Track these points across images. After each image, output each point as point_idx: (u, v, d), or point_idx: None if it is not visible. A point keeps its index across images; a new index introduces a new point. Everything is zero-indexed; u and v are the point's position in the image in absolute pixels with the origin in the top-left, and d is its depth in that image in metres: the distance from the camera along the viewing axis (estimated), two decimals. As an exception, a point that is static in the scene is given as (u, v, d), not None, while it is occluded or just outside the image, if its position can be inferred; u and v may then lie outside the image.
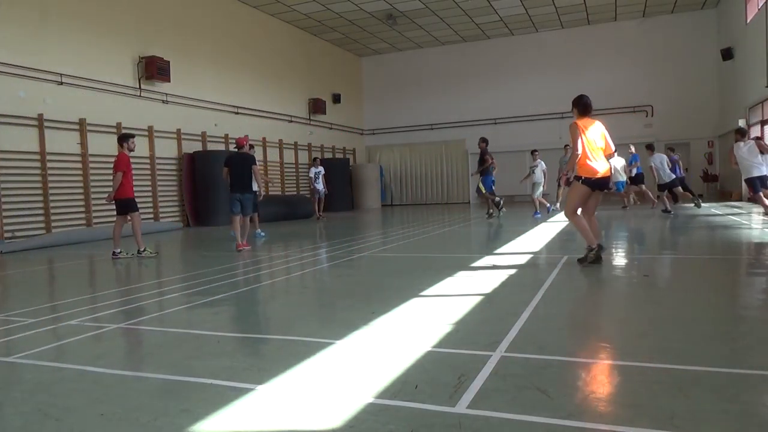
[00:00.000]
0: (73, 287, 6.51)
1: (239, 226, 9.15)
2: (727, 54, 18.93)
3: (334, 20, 20.77)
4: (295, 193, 20.60)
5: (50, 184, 12.03)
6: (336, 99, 23.71)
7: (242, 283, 6.01)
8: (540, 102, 23.10)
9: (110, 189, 8.70)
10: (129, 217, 8.66)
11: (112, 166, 8.79)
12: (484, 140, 13.88)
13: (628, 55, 22.27)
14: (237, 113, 17.86)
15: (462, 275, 5.78)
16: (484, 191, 13.75)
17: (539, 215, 13.87)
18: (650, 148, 14.36)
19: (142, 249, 8.58)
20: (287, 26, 20.88)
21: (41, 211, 11.90)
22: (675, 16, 21.72)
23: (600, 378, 2.71)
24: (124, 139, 8.63)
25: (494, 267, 6.25)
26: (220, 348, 3.43)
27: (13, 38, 11.52)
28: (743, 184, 11.68)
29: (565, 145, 14.43)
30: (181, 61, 15.49)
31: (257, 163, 9.76)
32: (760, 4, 15.45)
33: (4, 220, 11.14)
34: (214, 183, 14.53)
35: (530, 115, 23.56)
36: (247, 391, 2.62)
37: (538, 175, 14.46)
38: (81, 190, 12.79)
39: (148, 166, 14.53)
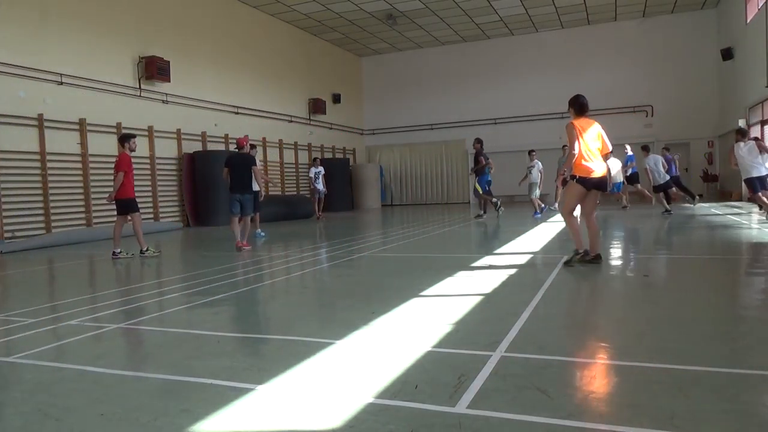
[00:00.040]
0: (73, 287, 6.51)
1: (238, 227, 9.18)
2: (727, 54, 18.93)
3: (334, 20, 20.77)
4: (295, 193, 20.60)
5: (50, 184, 12.03)
6: (336, 99, 23.71)
7: (242, 283, 6.01)
8: (540, 102, 23.10)
9: (111, 189, 8.70)
10: (129, 218, 8.66)
11: (112, 166, 8.81)
12: (478, 141, 13.89)
13: (628, 55, 22.27)
14: (237, 113, 17.86)
15: (462, 275, 5.78)
16: (480, 192, 13.76)
17: (539, 215, 13.87)
18: (645, 149, 14.44)
19: (144, 249, 8.59)
20: (287, 26, 20.88)
21: (41, 211, 11.90)
22: (675, 16, 21.72)
23: (600, 378, 2.71)
24: (125, 139, 8.64)
25: (494, 267, 6.25)
26: (220, 348, 3.43)
27: (13, 38, 11.52)
28: (743, 184, 11.71)
29: (564, 146, 14.44)
30: (181, 61, 15.49)
31: (258, 163, 9.77)
32: (760, 4, 15.45)
33: (4, 220, 11.14)
34: (214, 183, 14.53)
35: (530, 115, 23.56)
36: (247, 391, 2.62)
37: (535, 175, 14.48)
38: (81, 190, 12.79)
39: (148, 166, 14.53)
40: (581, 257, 5.97)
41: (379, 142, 26.58)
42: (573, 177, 6.02)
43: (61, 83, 12.42)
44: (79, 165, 12.78)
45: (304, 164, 21.15)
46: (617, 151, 14.45)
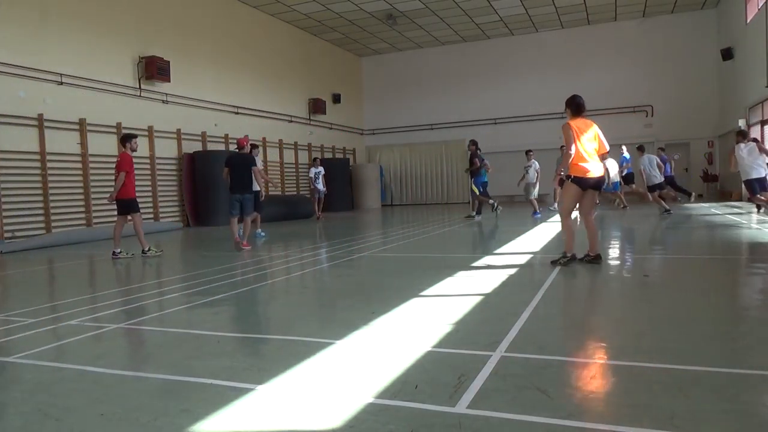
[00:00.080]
0: (73, 287, 6.51)
1: (236, 226, 9.23)
2: (727, 54, 18.93)
3: (334, 20, 20.77)
4: (295, 193, 20.60)
5: (50, 184, 12.02)
6: (336, 99, 23.71)
7: (242, 283, 6.01)
8: (540, 102, 23.08)
9: (111, 189, 8.71)
10: (130, 218, 8.67)
11: (111, 166, 8.82)
12: (473, 143, 13.91)
13: (628, 55, 22.27)
14: (237, 113, 17.86)
15: (462, 275, 5.78)
16: (477, 193, 13.77)
17: (539, 215, 13.89)
18: (640, 149, 14.52)
19: (146, 249, 8.59)
20: (287, 26, 20.88)
21: (41, 211, 11.90)
22: (675, 16, 21.72)
23: (600, 378, 2.70)
24: (127, 139, 8.65)
25: (494, 267, 6.25)
26: (220, 348, 3.43)
27: (13, 38, 11.52)
28: (743, 185, 11.74)
29: (561, 146, 14.46)
30: (181, 61, 15.49)
31: (259, 163, 9.77)
32: (760, 4, 15.44)
33: (4, 220, 11.13)
34: (214, 183, 14.53)
35: (530, 115, 23.54)
36: (247, 391, 2.62)
37: (531, 175, 14.49)
38: (81, 190, 12.78)
39: (148, 166, 14.53)
40: (568, 261, 5.98)
41: (379, 142, 26.57)
42: (569, 177, 6.04)
43: (61, 83, 12.42)
44: (79, 165, 12.78)
45: (304, 164, 21.15)
46: (613, 151, 14.56)
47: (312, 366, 2.97)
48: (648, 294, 4.79)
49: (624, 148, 15.87)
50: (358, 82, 26.46)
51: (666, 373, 2.68)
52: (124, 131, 12.89)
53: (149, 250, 8.59)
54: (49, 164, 12.02)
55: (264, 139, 18.74)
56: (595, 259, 6.08)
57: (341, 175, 21.76)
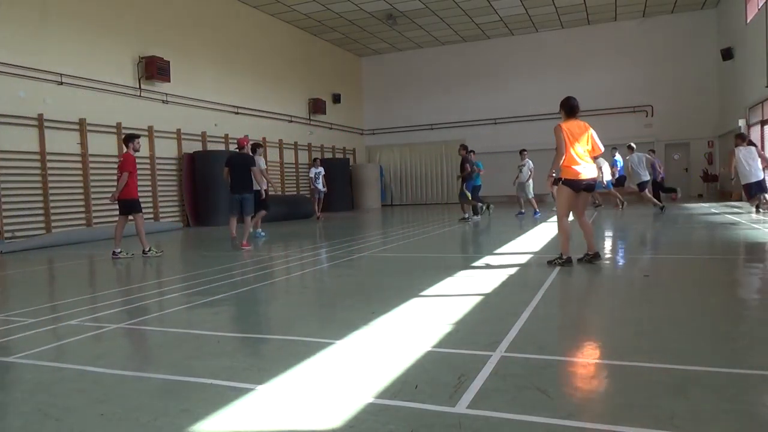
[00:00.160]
0: (73, 287, 6.51)
1: (235, 225, 9.25)
2: (727, 54, 18.93)
3: (334, 20, 20.77)
4: (295, 193, 20.60)
5: (50, 184, 12.02)
6: (336, 99, 23.71)
7: (242, 283, 6.01)
8: (540, 102, 23.06)
9: (112, 188, 8.72)
10: (131, 218, 8.67)
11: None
12: (464, 147, 13.95)
13: (628, 55, 22.27)
14: (237, 113, 17.86)
15: (462, 275, 5.78)
16: (469, 197, 13.80)
17: (539, 214, 13.90)
18: (630, 148, 14.87)
19: (147, 249, 8.59)
20: (287, 26, 20.88)
21: (41, 211, 11.90)
22: (675, 16, 21.72)
23: (600, 378, 2.70)
24: (129, 139, 8.66)
25: (494, 267, 6.25)
26: (220, 348, 3.43)
27: (13, 38, 11.52)
28: (742, 187, 11.79)
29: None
30: (181, 61, 15.49)
31: (263, 163, 9.77)
32: (760, 4, 15.45)
33: (4, 220, 11.13)
34: (214, 183, 14.54)
35: (530, 115, 23.54)
36: (247, 391, 2.62)
37: (525, 173, 14.53)
38: (81, 190, 12.78)
39: (148, 166, 14.53)
40: (564, 262, 5.98)
41: (379, 142, 26.57)
42: (560, 179, 6.06)
43: (61, 83, 12.42)
44: (79, 165, 12.77)
45: (304, 164, 21.15)
46: (607, 152, 14.71)
47: (312, 366, 2.97)
48: (648, 294, 4.79)
49: (616, 151, 15.84)
50: (358, 82, 26.46)
51: (666, 373, 2.68)
52: (124, 131, 12.91)
53: (149, 250, 8.59)
54: (49, 164, 12.02)
55: (264, 139, 18.73)
56: (594, 257, 6.10)
57: (341, 175, 21.76)
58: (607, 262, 6.46)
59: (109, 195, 8.89)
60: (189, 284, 5.97)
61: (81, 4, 13.01)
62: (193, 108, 16.08)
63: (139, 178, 13.02)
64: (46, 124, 11.98)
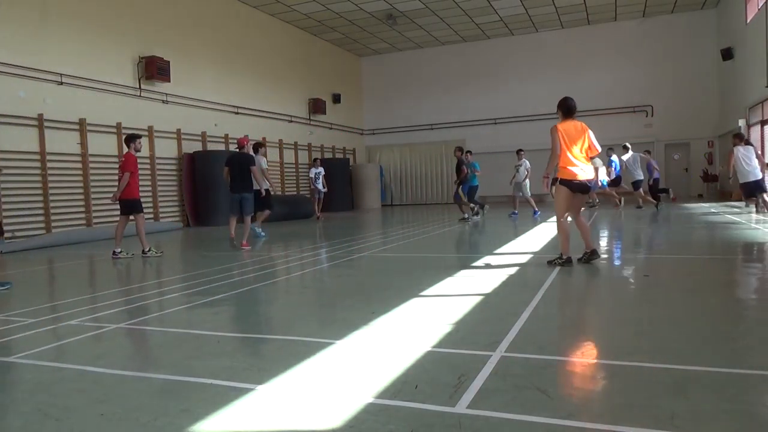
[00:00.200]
0: (73, 287, 6.51)
1: (234, 225, 9.28)
2: (727, 54, 18.93)
3: (334, 20, 20.77)
4: (295, 193, 20.60)
5: (50, 184, 12.02)
6: (336, 99, 23.71)
7: (242, 283, 6.01)
8: (540, 102, 23.04)
9: (112, 188, 8.72)
10: (132, 218, 8.68)
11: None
12: (459, 149, 13.96)
13: (628, 55, 22.27)
14: (237, 113, 17.86)
15: (462, 275, 5.78)
16: (465, 200, 13.82)
17: (538, 214, 13.91)
18: (625, 147, 15.13)
19: (147, 249, 8.59)
20: (287, 26, 20.88)
21: (41, 211, 11.90)
22: (675, 16, 21.72)
23: (600, 378, 2.70)
24: (131, 139, 8.67)
25: (494, 267, 6.25)
26: (220, 348, 3.43)
27: (13, 38, 11.52)
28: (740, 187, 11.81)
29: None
30: (181, 61, 15.49)
31: (265, 164, 9.78)
32: (760, 4, 15.45)
33: (4, 220, 11.13)
34: (214, 183, 14.54)
35: (530, 115, 23.54)
36: (247, 391, 2.62)
37: (521, 173, 14.54)
38: (81, 190, 12.78)
39: (148, 166, 14.52)
40: (564, 262, 5.98)
41: (379, 142, 26.57)
42: (556, 180, 6.07)
43: (61, 83, 12.42)
44: (79, 165, 12.77)
45: (304, 164, 21.15)
46: (602, 154, 14.79)
47: (312, 366, 2.97)
48: (648, 294, 4.79)
49: (612, 152, 15.83)
50: (358, 82, 26.46)
51: (666, 373, 2.68)
52: (124, 131, 12.92)
53: (149, 250, 8.59)
54: (49, 164, 12.01)
55: (264, 139, 18.70)
56: (592, 255, 6.11)
57: (341, 175, 21.76)
58: (607, 262, 6.46)
59: (110, 195, 8.89)
60: (189, 284, 5.97)
61: (81, 4, 13.01)
62: (193, 108, 16.08)
63: (139, 178, 13.12)
64: (46, 124, 11.98)
